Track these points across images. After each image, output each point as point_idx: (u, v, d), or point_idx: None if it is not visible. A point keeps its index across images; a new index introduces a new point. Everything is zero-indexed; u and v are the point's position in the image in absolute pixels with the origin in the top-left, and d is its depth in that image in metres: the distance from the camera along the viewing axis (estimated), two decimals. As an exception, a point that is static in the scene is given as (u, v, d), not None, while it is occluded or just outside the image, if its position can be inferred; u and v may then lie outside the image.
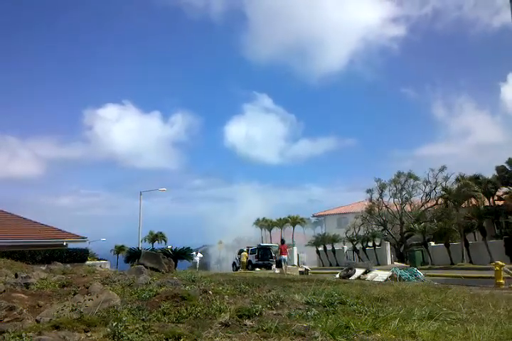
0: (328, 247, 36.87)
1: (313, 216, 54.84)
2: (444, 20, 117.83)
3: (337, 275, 17.03)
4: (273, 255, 34.86)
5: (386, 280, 15.20)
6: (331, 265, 35.19)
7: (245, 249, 36.39)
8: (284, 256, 24.69)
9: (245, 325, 4.71)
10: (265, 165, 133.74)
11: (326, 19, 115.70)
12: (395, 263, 31.73)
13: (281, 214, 53.77)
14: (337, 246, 36.76)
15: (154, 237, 58.31)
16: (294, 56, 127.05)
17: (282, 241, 26.59)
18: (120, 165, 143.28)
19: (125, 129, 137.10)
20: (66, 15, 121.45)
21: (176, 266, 18.01)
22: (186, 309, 5.32)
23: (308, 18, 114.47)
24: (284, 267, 24.20)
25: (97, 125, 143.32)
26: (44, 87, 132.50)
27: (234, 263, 37.67)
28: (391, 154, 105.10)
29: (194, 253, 33.47)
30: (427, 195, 35.13)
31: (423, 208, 35.05)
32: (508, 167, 31.36)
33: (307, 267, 25.59)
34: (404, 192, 35.93)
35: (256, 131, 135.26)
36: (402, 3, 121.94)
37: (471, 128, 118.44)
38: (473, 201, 30.79)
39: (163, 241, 58.48)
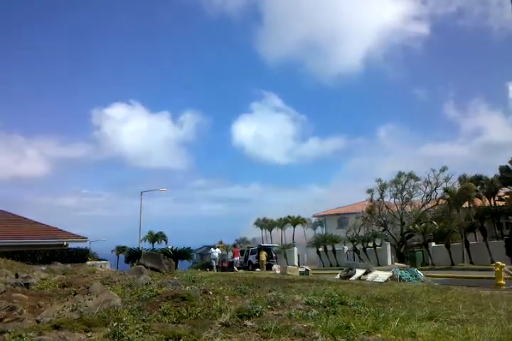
0: (329, 248, 36.82)
1: (314, 216, 54.78)
2: (466, 18, 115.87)
3: (337, 276, 17.00)
4: (274, 255, 34.87)
5: (386, 280, 15.18)
6: (331, 265, 35.13)
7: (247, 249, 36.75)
8: (236, 258, 30.84)
9: (245, 325, 4.71)
10: (273, 165, 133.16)
11: (343, 16, 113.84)
12: (396, 263, 31.70)
13: (284, 214, 53.69)
14: (337, 247, 36.72)
15: (154, 237, 58.27)
16: (308, 54, 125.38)
17: (234, 245, 31.67)
18: (126, 165, 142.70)
19: (132, 129, 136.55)
20: (75, 12, 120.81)
21: (176, 266, 18.01)
22: (186, 309, 5.32)
23: (326, 14, 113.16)
24: (235, 267, 29.65)
25: (103, 125, 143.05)
26: (48, 87, 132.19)
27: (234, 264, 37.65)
28: (399, 153, 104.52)
29: (212, 248, 33.01)
30: (427, 196, 35.10)
31: (424, 209, 35.01)
32: (511, 167, 31.23)
33: (308, 267, 25.57)
34: (404, 193, 35.90)
35: (265, 130, 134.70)
36: (421, 1, 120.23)
37: (480, 128, 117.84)
38: (474, 201, 30.79)
39: (163, 242, 58.49)
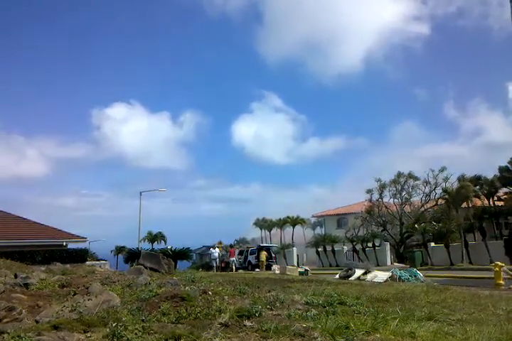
0: (328, 248, 36.82)
1: (313, 216, 54.77)
2: (466, 18, 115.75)
3: (337, 276, 17.01)
4: (273, 255, 34.86)
5: (386, 280, 15.19)
6: (330, 266, 35.12)
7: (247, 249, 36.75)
8: (233, 258, 30.70)
9: (245, 325, 4.71)
10: (272, 165, 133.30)
11: (343, 16, 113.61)
12: (395, 263, 31.71)
13: (283, 215, 53.63)
14: (337, 247, 36.72)
15: (153, 237, 58.25)
16: (308, 54, 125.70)
17: (231, 246, 32.61)
18: (126, 165, 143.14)
19: (132, 129, 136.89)
20: (75, 12, 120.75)
21: (175, 266, 17.99)
22: (186, 309, 5.32)
23: (326, 14, 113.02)
24: (233, 267, 29.80)
25: (103, 125, 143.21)
26: (48, 87, 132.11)
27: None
28: (399, 153, 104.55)
29: (212, 249, 32.77)
30: (426, 196, 35.10)
31: (423, 209, 35.02)
32: (510, 167, 31.25)
33: (307, 268, 25.56)
34: (404, 193, 35.90)
35: (265, 130, 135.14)
36: (421, 2, 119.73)
37: (480, 128, 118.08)
38: (473, 201, 30.80)
39: (162, 242, 58.47)
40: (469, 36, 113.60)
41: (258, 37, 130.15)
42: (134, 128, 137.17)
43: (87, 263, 21.44)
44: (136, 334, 4.19)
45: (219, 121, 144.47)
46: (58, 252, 22.11)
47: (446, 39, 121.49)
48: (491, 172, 32.59)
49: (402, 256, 33.49)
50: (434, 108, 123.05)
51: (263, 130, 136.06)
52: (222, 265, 35.69)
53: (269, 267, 28.82)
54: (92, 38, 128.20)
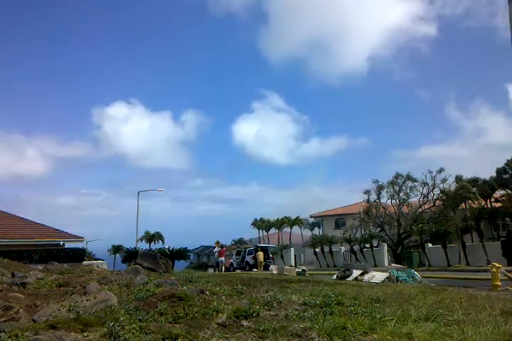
0: (326, 248, 36.87)
1: (311, 217, 54.82)
2: (473, 18, 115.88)
3: (334, 277, 17.02)
4: (271, 256, 34.87)
5: (383, 281, 15.21)
6: (328, 266, 35.16)
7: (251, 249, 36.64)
8: (222, 258, 30.24)
9: (242, 325, 4.71)
10: (273, 165, 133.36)
11: (349, 15, 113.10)
12: (392, 264, 31.75)
13: (282, 215, 53.65)
14: (334, 248, 36.77)
15: (151, 237, 58.25)
16: (313, 54, 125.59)
17: (221, 246, 31.55)
18: (126, 164, 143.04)
19: (133, 128, 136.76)
20: (77, 11, 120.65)
21: (173, 266, 17.96)
22: (183, 309, 5.31)
23: (331, 14, 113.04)
24: (221, 267, 29.69)
25: (104, 124, 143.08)
26: (49, 85, 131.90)
27: (231, 264, 37.61)
28: (400, 154, 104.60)
29: (217, 248, 32.45)
30: (424, 197, 35.16)
31: (420, 210, 35.08)
32: (507, 169, 31.38)
33: (304, 268, 25.58)
34: (401, 194, 35.95)
35: (266, 130, 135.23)
36: (428, 2, 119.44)
37: (482, 130, 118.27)
38: (472, 202, 30.90)
39: (160, 241, 58.51)
40: (475, 37, 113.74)
41: (262, 36, 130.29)
42: (134, 128, 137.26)
43: (85, 262, 21.40)
44: (133, 333, 4.19)
45: (220, 120, 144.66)
46: (55, 251, 22.10)
47: (453, 40, 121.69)
48: (491, 174, 32.74)
49: (399, 256, 33.54)
50: (437, 109, 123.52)
51: (264, 130, 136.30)
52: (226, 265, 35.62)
53: (266, 267, 28.80)
54: (93, 36, 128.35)
